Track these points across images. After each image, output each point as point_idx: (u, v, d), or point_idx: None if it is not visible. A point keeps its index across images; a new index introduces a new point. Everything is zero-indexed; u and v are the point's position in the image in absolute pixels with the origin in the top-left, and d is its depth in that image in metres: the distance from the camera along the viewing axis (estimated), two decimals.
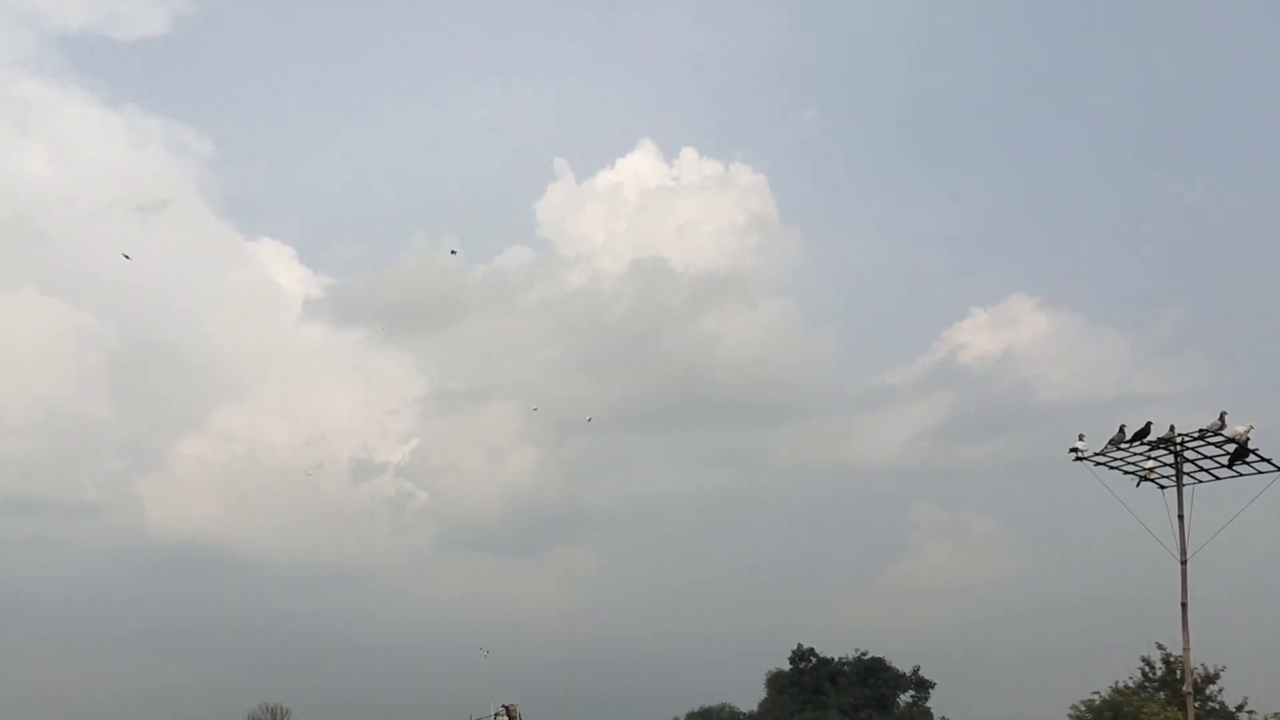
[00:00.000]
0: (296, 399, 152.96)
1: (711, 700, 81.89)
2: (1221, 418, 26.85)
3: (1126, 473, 28.85)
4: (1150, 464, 28.24)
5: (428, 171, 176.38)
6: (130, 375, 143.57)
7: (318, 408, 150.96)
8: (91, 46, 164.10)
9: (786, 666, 75.77)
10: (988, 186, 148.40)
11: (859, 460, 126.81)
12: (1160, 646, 60.64)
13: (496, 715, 62.42)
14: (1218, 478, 28.07)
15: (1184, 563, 27.27)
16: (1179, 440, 27.45)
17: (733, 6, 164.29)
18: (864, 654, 73.50)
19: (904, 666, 73.03)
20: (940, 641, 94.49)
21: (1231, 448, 27.16)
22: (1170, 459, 27.99)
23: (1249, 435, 26.58)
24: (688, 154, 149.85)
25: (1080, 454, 28.68)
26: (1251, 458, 27.33)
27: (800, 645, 75.39)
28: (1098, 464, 28.81)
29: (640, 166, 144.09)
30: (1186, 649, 27.50)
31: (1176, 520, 27.68)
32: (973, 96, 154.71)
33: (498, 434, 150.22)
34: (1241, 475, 27.79)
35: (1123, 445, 28.08)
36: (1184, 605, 27.29)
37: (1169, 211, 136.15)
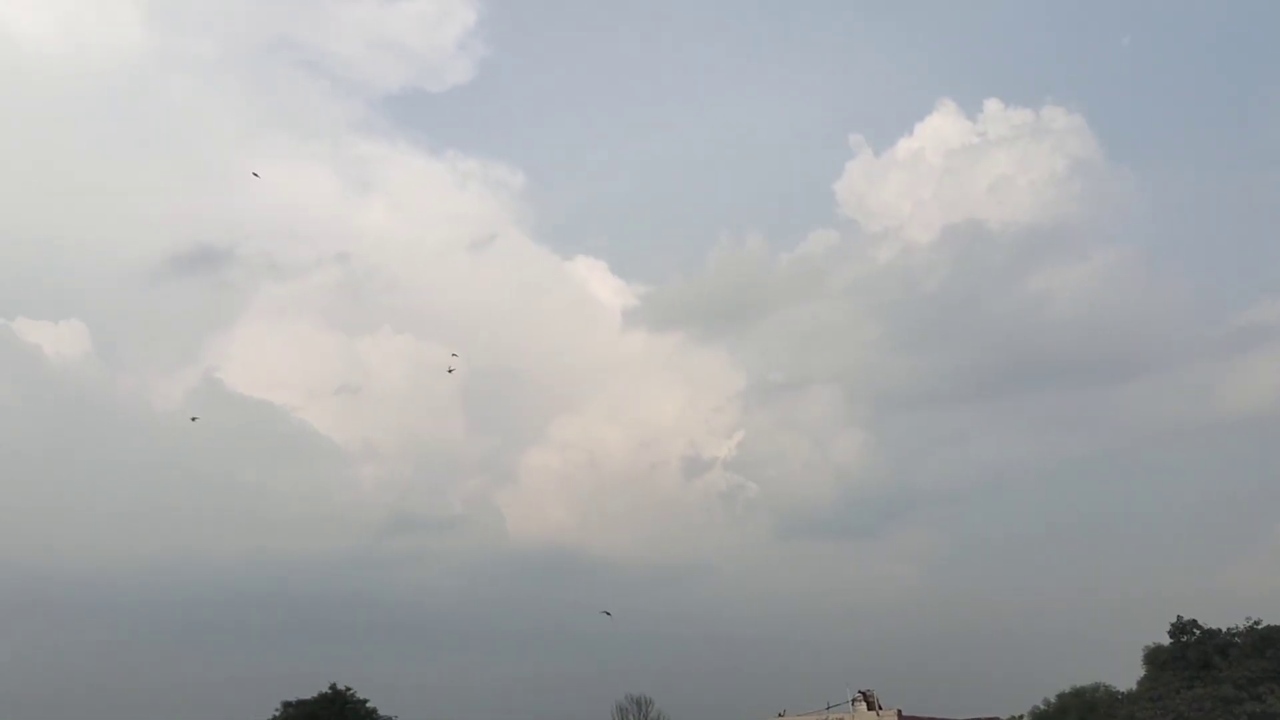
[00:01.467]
0: (626, 404, 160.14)
1: (1083, 680, 76.89)
2: None
3: None
4: None
5: (724, 171, 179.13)
6: (478, 398, 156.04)
7: (646, 411, 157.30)
8: (411, 102, 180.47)
9: (1165, 641, 69.64)
10: None
11: (1226, 410, 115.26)
12: None
13: (854, 701, 61.71)
14: None
15: None
16: None
17: None
18: (1257, 622, 66.23)
19: None
20: None
21: None
22: None
23: None
24: (992, 106, 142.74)
25: None
26: None
27: (1180, 617, 69.05)
28: None
29: (941, 127, 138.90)
30: None
31: None
32: None
33: (821, 420, 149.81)
34: None
35: None
36: None
37: None
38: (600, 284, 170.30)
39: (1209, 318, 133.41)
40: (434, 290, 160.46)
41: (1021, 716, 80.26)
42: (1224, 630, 67.46)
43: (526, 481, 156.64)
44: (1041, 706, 77.85)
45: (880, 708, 53.54)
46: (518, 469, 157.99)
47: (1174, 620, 69.11)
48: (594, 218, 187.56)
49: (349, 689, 72.44)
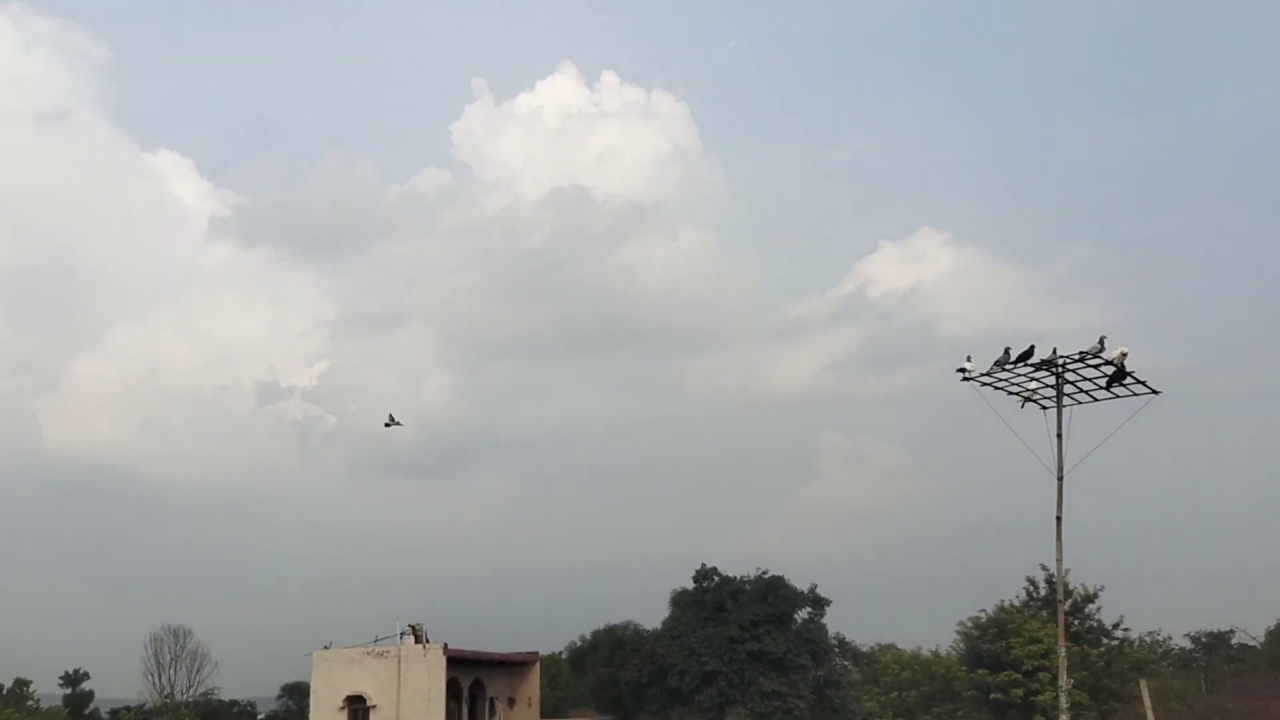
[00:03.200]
0: (200, 319, 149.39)
1: (619, 618, 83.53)
2: (1101, 342, 28.08)
3: (1011, 394, 29.89)
4: (1034, 385, 29.28)
5: (342, 89, 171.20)
6: (25, 292, 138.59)
7: (222, 329, 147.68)
8: None
9: (690, 586, 77.38)
10: (902, 121, 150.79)
11: (772, 389, 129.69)
12: (1044, 567, 63.78)
13: (403, 634, 62.66)
14: (1096, 399, 29.30)
15: (1060, 479, 28.66)
16: (1060, 362, 28.53)
17: None
18: (764, 573, 75.31)
19: (803, 586, 75.24)
20: (839, 563, 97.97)
21: (1110, 370, 28.23)
22: (1052, 380, 29.03)
23: (1124, 358, 27.72)
24: (609, 78, 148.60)
25: (967, 374, 29.72)
26: (1128, 380, 28.45)
27: (704, 564, 76.95)
28: (983, 384, 29.84)
29: (562, 90, 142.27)
30: (1059, 560, 29.01)
31: (1056, 439, 28.79)
32: (889, 33, 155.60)
33: (412, 359, 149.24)
34: (1118, 397, 29.00)
35: (1007, 366, 29.13)
36: (1059, 519, 28.75)
37: (1074, 153, 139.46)
38: (185, 184, 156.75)
39: (767, 306, 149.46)
40: None
41: (561, 652, 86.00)
42: (738, 578, 76.08)
43: (71, 390, 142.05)
44: (578, 643, 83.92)
45: (428, 641, 54.95)
46: (62, 376, 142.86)
47: (699, 567, 77.21)
48: (187, 110, 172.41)
49: None
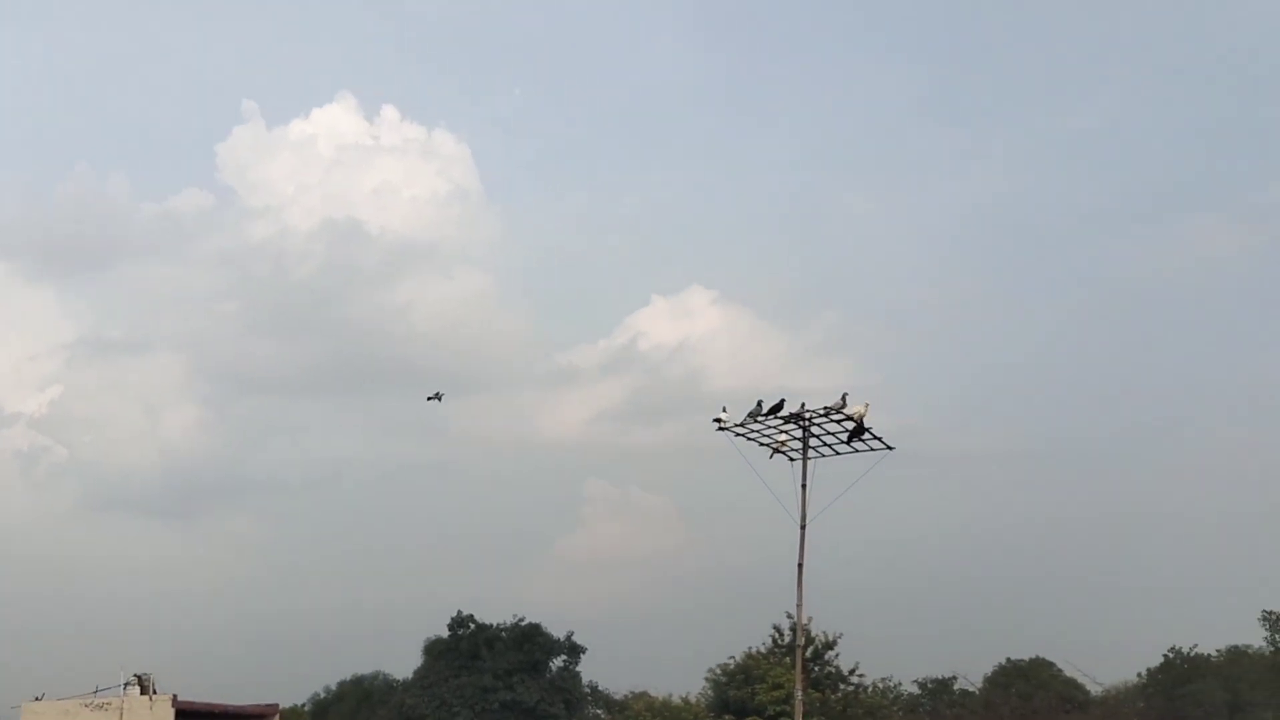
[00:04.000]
0: None
1: (367, 670, 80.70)
2: (843, 398, 29.71)
3: (762, 444, 31.17)
4: (783, 437, 30.65)
5: (96, 94, 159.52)
6: None
7: None
8: None
9: (446, 634, 75.85)
10: (679, 182, 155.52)
11: (540, 436, 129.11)
12: (789, 615, 66.30)
13: (127, 685, 58.10)
14: (838, 453, 30.90)
15: (803, 528, 29.93)
16: (807, 416, 30.00)
17: None
18: (521, 620, 74.88)
19: (561, 633, 75.23)
20: (598, 611, 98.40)
21: (850, 426, 29.92)
22: (799, 433, 30.47)
23: (863, 416, 29.48)
24: (389, 113, 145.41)
25: (723, 424, 30.81)
26: (867, 436, 30.24)
27: (460, 612, 75.71)
28: (737, 434, 30.99)
29: (339, 120, 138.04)
30: (800, 605, 30.16)
31: (800, 489, 30.17)
32: (673, 96, 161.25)
33: (156, 389, 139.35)
34: (858, 451, 30.74)
35: (760, 418, 30.38)
36: (800, 566, 29.94)
37: (829, 227, 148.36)
38: None
39: (540, 353, 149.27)
40: None
41: (304, 704, 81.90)
42: (494, 625, 75.23)
43: None
44: (322, 694, 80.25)
45: (155, 692, 51.02)
46: None
47: (454, 615, 75.81)
48: None
49: None
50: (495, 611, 76.21)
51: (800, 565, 30.26)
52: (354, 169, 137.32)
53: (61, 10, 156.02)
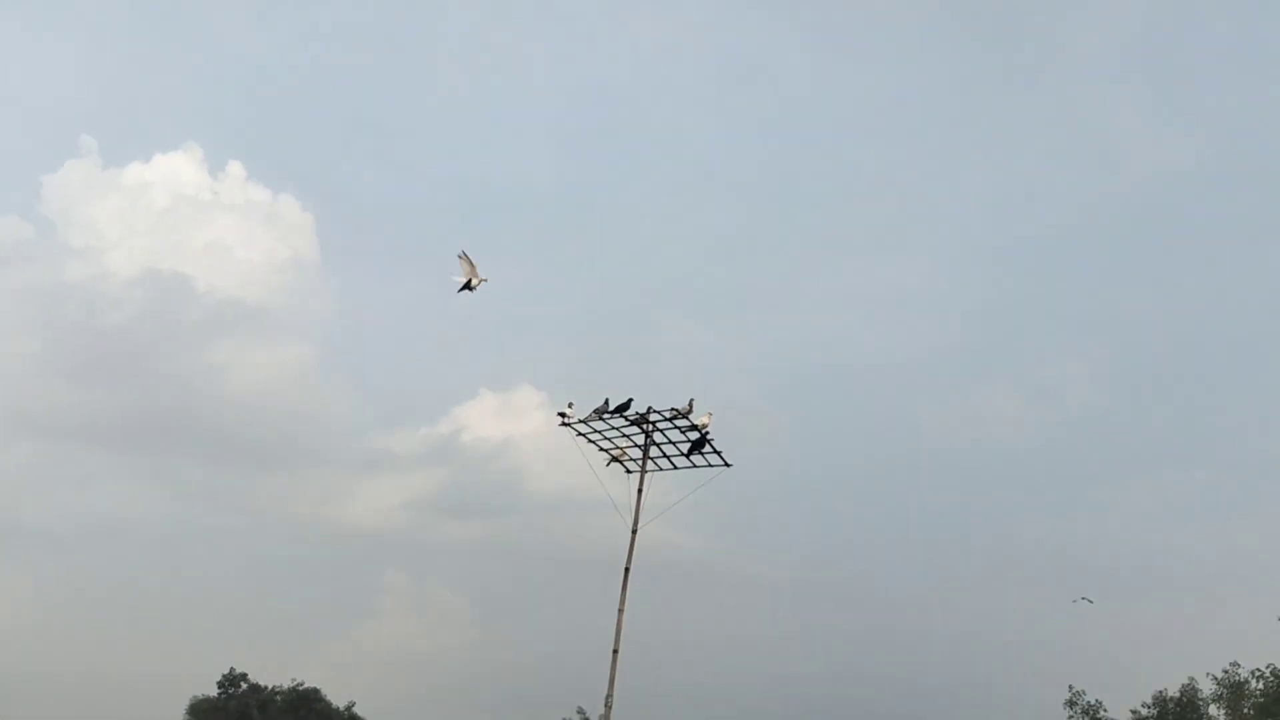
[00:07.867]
0: None
1: None
2: (690, 403, 29.71)
3: (601, 449, 30.74)
4: (625, 442, 30.33)
5: None
6: None
7: None
8: None
9: (215, 692, 70.12)
10: (517, 279, 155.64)
11: (345, 519, 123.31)
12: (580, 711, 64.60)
13: None
14: (676, 466, 30.74)
15: (634, 532, 29.40)
16: (652, 420, 29.85)
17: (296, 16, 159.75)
18: (299, 684, 70.09)
19: (342, 702, 70.65)
20: (388, 702, 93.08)
21: (694, 436, 29.86)
22: (641, 439, 30.22)
23: (709, 424, 29.56)
24: (235, 169, 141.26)
25: (566, 419, 30.32)
26: (707, 450, 30.22)
27: (232, 669, 70.23)
28: (578, 434, 30.51)
29: (180, 169, 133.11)
30: (621, 610, 29.23)
31: (636, 494, 29.75)
32: (519, 195, 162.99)
33: None
34: (696, 466, 30.65)
35: (604, 415, 30.02)
36: (627, 569, 29.23)
37: (659, 348, 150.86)
38: None
39: (357, 433, 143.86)
40: None
41: None
42: (269, 687, 70.11)
43: None
44: None
45: None
46: None
47: (226, 671, 70.22)
48: None
49: None
50: (272, 676, 71.18)
51: (627, 569, 29.51)
52: (188, 221, 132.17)
53: None
